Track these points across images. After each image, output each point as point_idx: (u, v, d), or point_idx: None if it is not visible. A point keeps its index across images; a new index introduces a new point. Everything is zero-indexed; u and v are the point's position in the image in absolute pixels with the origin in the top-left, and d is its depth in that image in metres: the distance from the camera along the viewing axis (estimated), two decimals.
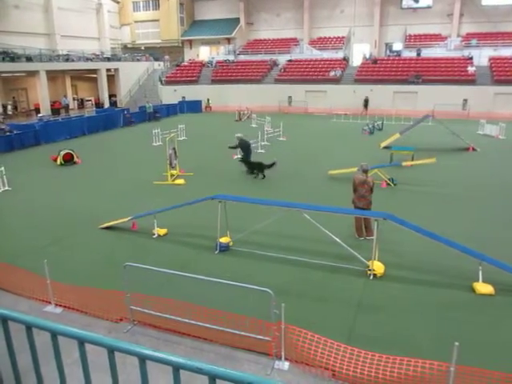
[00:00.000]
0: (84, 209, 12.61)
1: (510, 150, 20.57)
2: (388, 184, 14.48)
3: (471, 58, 36.83)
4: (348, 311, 7.09)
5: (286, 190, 14.18)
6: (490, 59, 36.58)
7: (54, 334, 2.12)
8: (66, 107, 39.11)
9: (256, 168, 15.86)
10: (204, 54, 50.74)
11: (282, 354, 5.85)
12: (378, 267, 8.27)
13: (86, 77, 45.35)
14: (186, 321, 6.33)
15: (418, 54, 39.54)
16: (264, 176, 15.67)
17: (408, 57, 39.86)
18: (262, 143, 21.52)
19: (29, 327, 2.19)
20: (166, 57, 49.07)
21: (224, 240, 9.59)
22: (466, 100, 33.95)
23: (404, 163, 14.32)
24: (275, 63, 43.09)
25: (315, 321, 6.67)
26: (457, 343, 4.73)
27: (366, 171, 10.01)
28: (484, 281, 7.68)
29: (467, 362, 5.12)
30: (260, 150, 20.81)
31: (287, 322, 5.69)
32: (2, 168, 14.85)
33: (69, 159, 18.70)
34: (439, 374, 5.04)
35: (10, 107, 36.51)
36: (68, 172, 17.53)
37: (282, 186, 14.63)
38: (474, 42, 39.62)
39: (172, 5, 49.63)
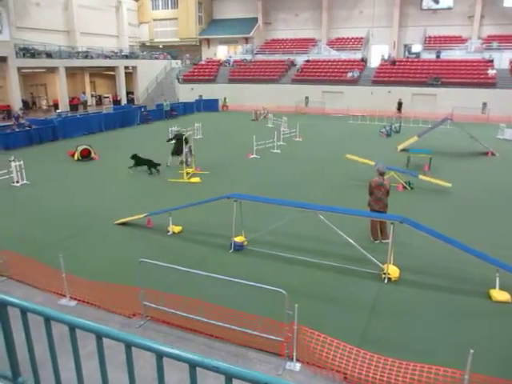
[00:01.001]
0: (100, 204, 12.75)
1: None
2: (404, 187, 14.33)
3: (492, 61, 36.23)
4: (361, 314, 7.03)
5: (301, 190, 14.12)
6: (511, 62, 35.94)
7: (72, 327, 2.14)
8: (84, 103, 39.60)
9: (147, 164, 16.72)
10: (221, 53, 50.87)
11: (294, 354, 5.83)
12: (392, 271, 8.18)
13: (105, 74, 45.85)
14: (199, 318, 6.35)
15: (438, 56, 39.04)
16: (158, 171, 16.76)
17: (427, 58, 39.39)
18: (278, 143, 21.48)
19: (47, 319, 2.21)
20: (187, 55, 49.33)
21: (238, 239, 9.59)
22: (485, 103, 33.40)
23: (421, 177, 14.25)
24: (293, 63, 42.97)
25: (328, 323, 6.63)
26: (472, 350, 4.66)
27: (382, 174, 9.93)
28: (501, 288, 7.55)
29: (482, 370, 5.05)
30: (276, 150, 20.79)
31: (299, 322, 5.66)
32: (21, 162, 15.09)
33: (86, 155, 18.92)
34: (453, 381, 4.97)
35: (44, 102, 36.95)
36: (85, 167, 17.75)
37: (296, 187, 14.58)
38: (495, 44, 38.98)
39: (191, 3, 49.83)
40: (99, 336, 2.07)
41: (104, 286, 7.49)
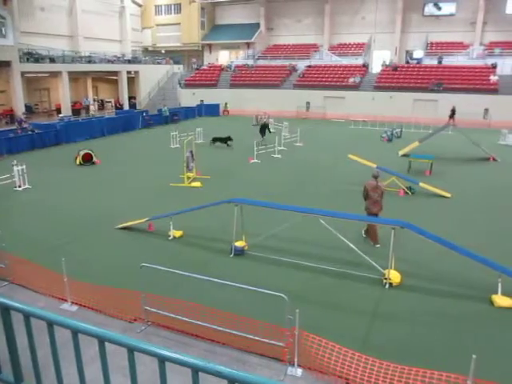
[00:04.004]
0: (101, 209, 12.77)
1: None
2: (406, 192, 14.33)
3: (494, 67, 36.26)
4: (363, 319, 7.02)
5: (302, 195, 14.14)
6: None
7: (75, 332, 2.14)
8: (87, 108, 39.73)
9: (222, 140, 23.65)
10: (223, 58, 51.05)
11: (295, 360, 5.81)
12: (394, 276, 8.17)
13: (107, 78, 45.99)
14: (200, 323, 6.34)
15: (440, 62, 39.11)
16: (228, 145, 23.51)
17: (429, 64, 39.47)
18: (279, 148, 21.51)
19: (50, 324, 2.21)
20: (193, 59, 49.49)
21: (239, 244, 9.59)
22: (487, 109, 33.40)
23: (421, 184, 14.29)
24: (294, 68, 43.06)
25: (329, 328, 6.62)
26: (474, 356, 4.64)
27: (376, 177, 10.10)
28: (503, 293, 7.53)
29: (484, 376, 5.03)
30: (277, 155, 20.81)
31: (301, 327, 5.65)
32: (24, 166, 15.13)
33: (88, 159, 18.97)
34: None
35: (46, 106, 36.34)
36: (87, 172, 17.78)
37: (297, 192, 14.60)
38: (497, 50, 39.04)
39: (193, 9, 50.08)
40: (102, 341, 2.07)
41: (105, 290, 7.48)
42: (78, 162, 18.75)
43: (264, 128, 24.95)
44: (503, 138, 25.54)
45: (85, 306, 7.37)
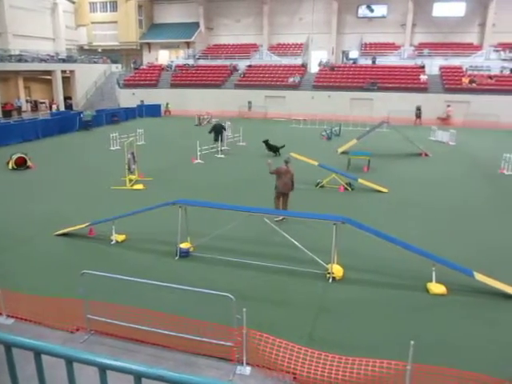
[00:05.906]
0: (38, 215, 12.14)
1: (460, 156, 21.54)
2: (346, 189, 14.81)
3: (423, 67, 38.34)
4: (308, 314, 7.18)
5: (246, 194, 14.22)
6: (440, 68, 38.21)
7: (8, 346, 2.03)
8: (19, 109, 37.62)
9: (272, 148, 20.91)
10: (163, 57, 50.20)
11: (244, 358, 5.85)
12: (336, 270, 8.43)
13: (41, 78, 43.83)
14: (146, 328, 6.22)
15: (374, 62, 40.78)
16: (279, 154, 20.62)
17: (364, 64, 41.05)
18: (222, 148, 21.49)
19: None
20: (134, 59, 48.18)
21: (184, 245, 9.50)
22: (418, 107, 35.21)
23: (360, 180, 14.89)
24: (235, 68, 43.20)
25: (276, 325, 6.71)
26: (412, 342, 4.89)
27: (287, 162, 11.66)
28: (437, 281, 7.99)
29: (423, 360, 5.32)
30: (220, 155, 20.80)
31: (249, 326, 5.70)
32: None
33: (21, 163, 17.97)
34: (396, 373, 5.19)
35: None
36: (21, 177, 16.84)
37: (242, 191, 14.68)
38: (426, 51, 41.31)
39: (130, 7, 48.84)
40: (37, 353, 1.98)
41: (45, 300, 7.13)
42: (10, 167, 17.70)
43: (218, 131, 21.73)
44: (433, 134, 27.08)
45: (22, 319, 7.00)
